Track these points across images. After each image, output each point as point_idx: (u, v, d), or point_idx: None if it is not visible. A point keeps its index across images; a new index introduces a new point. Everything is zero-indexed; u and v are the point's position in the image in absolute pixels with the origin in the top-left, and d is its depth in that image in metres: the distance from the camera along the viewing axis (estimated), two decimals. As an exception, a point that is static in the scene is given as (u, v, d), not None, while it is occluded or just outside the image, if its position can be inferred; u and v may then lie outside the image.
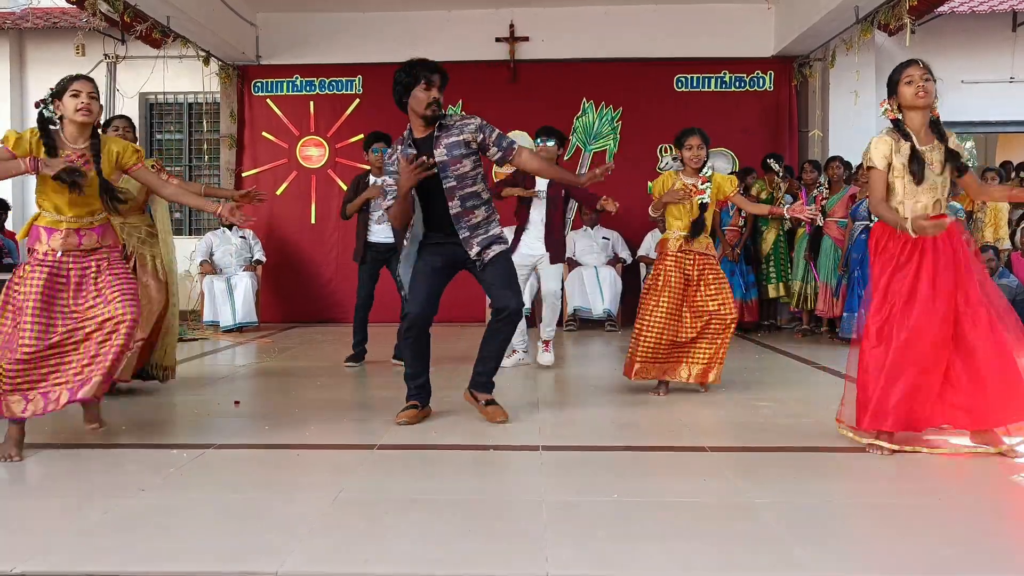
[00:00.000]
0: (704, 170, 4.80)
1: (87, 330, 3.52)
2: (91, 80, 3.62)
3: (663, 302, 4.71)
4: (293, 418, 4.27)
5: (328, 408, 4.56)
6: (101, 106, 3.67)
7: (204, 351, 7.12)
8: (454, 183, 3.99)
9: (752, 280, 8.18)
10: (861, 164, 7.31)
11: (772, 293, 8.17)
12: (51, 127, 3.54)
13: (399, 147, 4.07)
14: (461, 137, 4.01)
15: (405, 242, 4.23)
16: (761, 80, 9.48)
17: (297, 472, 3.35)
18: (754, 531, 2.57)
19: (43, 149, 3.47)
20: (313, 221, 9.71)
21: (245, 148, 9.76)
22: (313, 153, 9.72)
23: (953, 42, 9.43)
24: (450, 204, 4.00)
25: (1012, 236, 7.96)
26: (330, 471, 3.32)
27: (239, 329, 8.44)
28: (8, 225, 9.21)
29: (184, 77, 9.27)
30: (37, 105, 3.56)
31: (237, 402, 4.66)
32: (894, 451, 3.51)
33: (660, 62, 9.43)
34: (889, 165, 3.67)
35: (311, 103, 9.70)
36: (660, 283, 4.74)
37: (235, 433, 3.96)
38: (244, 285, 8.56)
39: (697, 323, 4.76)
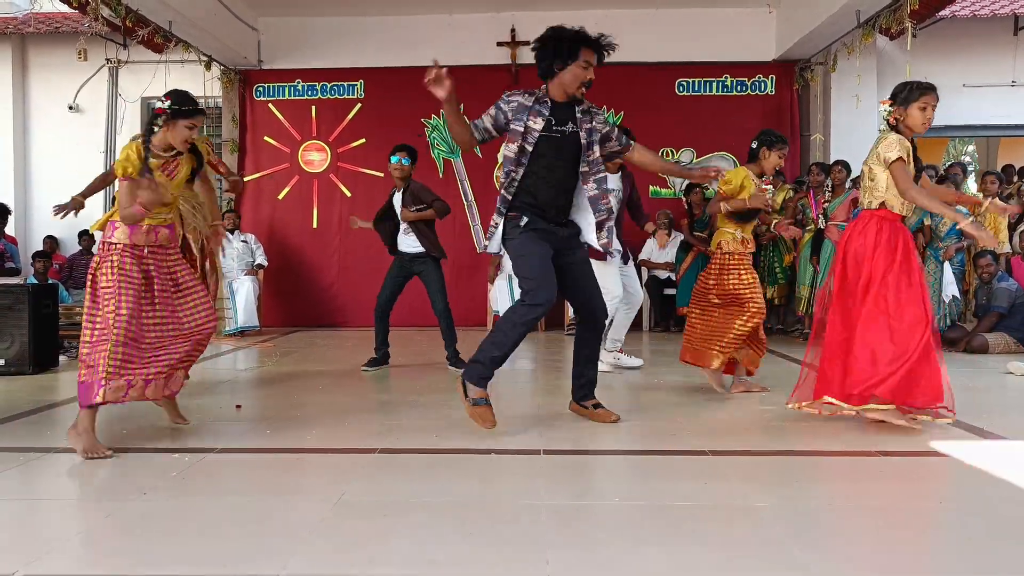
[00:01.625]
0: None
1: (176, 333, 3.85)
2: (204, 113, 3.86)
3: (753, 288, 4.82)
4: (295, 422, 4.27)
5: (330, 412, 4.56)
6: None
7: (206, 355, 7.11)
8: (587, 168, 3.99)
9: None
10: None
11: (767, 294, 8.26)
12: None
13: (530, 98, 3.99)
14: (595, 125, 4.03)
15: (499, 219, 3.98)
16: (763, 84, 9.49)
17: (299, 476, 3.35)
18: (755, 534, 2.57)
19: (142, 163, 3.71)
20: (315, 225, 9.72)
21: (247, 152, 9.78)
22: (315, 158, 9.73)
23: (954, 46, 9.44)
24: (586, 187, 3.99)
25: (1011, 240, 7.96)
26: (332, 475, 3.32)
27: (241, 333, 8.45)
28: (9, 230, 9.23)
29: (186, 82, 9.22)
30: (158, 112, 3.75)
31: (239, 406, 4.67)
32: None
33: (661, 66, 9.44)
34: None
35: (313, 107, 9.72)
36: (737, 277, 4.82)
37: (237, 437, 3.97)
38: (246, 289, 8.57)
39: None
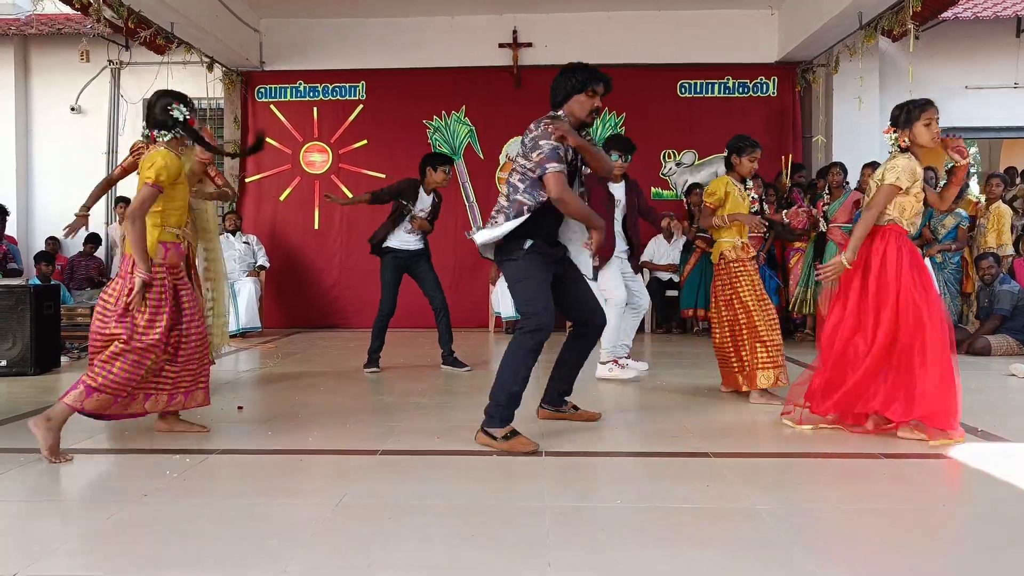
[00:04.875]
0: (748, 182, 4.90)
1: (189, 344, 3.85)
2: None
3: (763, 299, 4.78)
4: (296, 423, 4.27)
5: (331, 414, 4.56)
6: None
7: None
8: (582, 191, 3.99)
9: (775, 286, 8.11)
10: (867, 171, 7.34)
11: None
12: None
13: (563, 144, 3.75)
14: None
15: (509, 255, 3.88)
16: (765, 86, 9.49)
17: (300, 478, 3.34)
18: (757, 536, 2.56)
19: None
20: (316, 227, 9.72)
21: (249, 154, 9.77)
22: (316, 159, 9.74)
23: (957, 48, 9.44)
24: None
25: (1016, 243, 7.94)
26: (333, 477, 3.32)
27: (242, 334, 8.45)
28: (10, 231, 9.23)
29: (188, 83, 9.25)
30: (184, 130, 3.81)
31: (240, 407, 4.67)
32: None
33: (663, 68, 9.44)
34: (904, 189, 3.88)
35: (314, 109, 9.72)
36: (748, 284, 4.79)
37: (238, 438, 3.96)
38: (247, 290, 8.57)
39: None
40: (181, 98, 3.81)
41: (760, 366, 4.71)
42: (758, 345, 4.71)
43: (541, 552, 2.42)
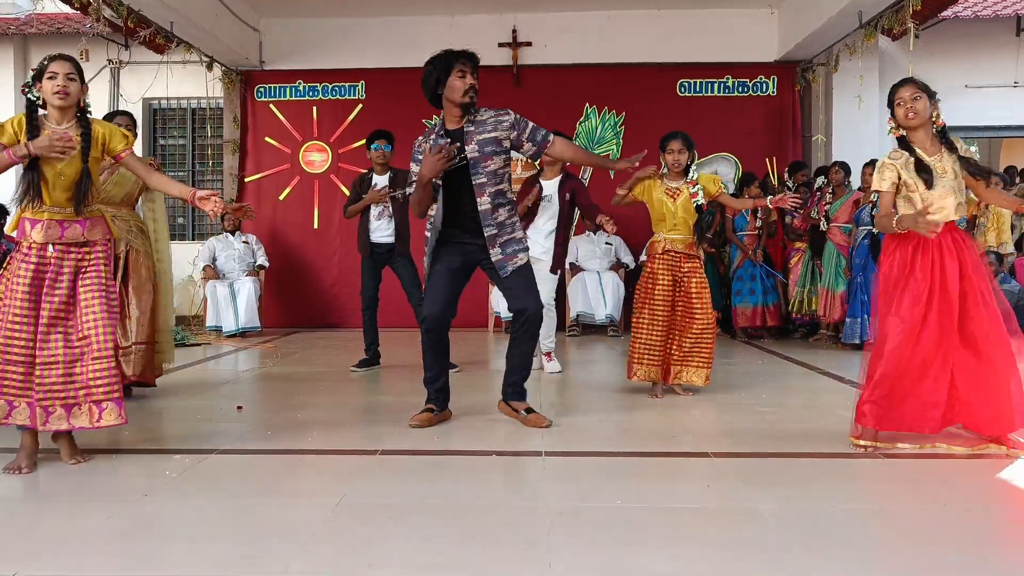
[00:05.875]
0: (691, 174, 4.86)
1: (68, 344, 3.39)
2: (70, 60, 3.47)
3: (654, 303, 4.81)
4: (295, 423, 4.27)
5: (330, 413, 4.56)
6: (84, 87, 3.53)
7: (206, 356, 7.11)
8: (484, 180, 3.97)
9: (771, 284, 8.07)
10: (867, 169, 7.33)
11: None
12: (39, 111, 3.47)
13: (431, 136, 4.08)
14: (494, 134, 3.99)
15: (427, 233, 4.15)
16: (764, 85, 9.48)
17: (299, 478, 3.34)
18: (757, 536, 2.56)
19: (25, 134, 3.36)
20: (316, 226, 9.71)
21: (248, 153, 9.77)
22: (316, 158, 9.72)
23: (957, 47, 9.43)
24: (479, 200, 3.97)
25: (1018, 243, 7.93)
26: (332, 477, 3.32)
27: (242, 334, 8.44)
28: (9, 230, 9.21)
29: (187, 82, 9.28)
30: (23, 90, 3.48)
31: (240, 407, 4.66)
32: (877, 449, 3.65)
33: (663, 67, 9.43)
34: (899, 183, 3.76)
35: (314, 108, 9.70)
36: (649, 284, 4.85)
37: (237, 438, 3.96)
38: (247, 290, 8.55)
39: (691, 323, 4.82)
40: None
41: (633, 359, 4.88)
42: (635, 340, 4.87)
43: (542, 552, 2.42)
